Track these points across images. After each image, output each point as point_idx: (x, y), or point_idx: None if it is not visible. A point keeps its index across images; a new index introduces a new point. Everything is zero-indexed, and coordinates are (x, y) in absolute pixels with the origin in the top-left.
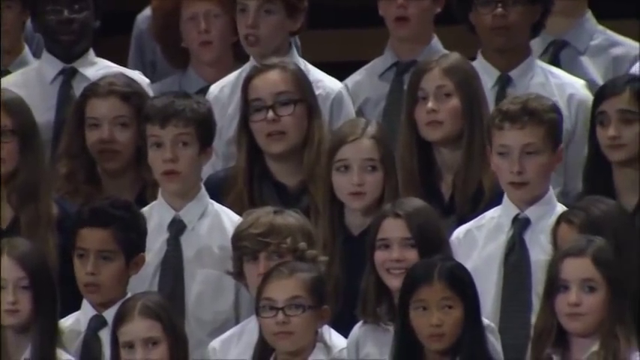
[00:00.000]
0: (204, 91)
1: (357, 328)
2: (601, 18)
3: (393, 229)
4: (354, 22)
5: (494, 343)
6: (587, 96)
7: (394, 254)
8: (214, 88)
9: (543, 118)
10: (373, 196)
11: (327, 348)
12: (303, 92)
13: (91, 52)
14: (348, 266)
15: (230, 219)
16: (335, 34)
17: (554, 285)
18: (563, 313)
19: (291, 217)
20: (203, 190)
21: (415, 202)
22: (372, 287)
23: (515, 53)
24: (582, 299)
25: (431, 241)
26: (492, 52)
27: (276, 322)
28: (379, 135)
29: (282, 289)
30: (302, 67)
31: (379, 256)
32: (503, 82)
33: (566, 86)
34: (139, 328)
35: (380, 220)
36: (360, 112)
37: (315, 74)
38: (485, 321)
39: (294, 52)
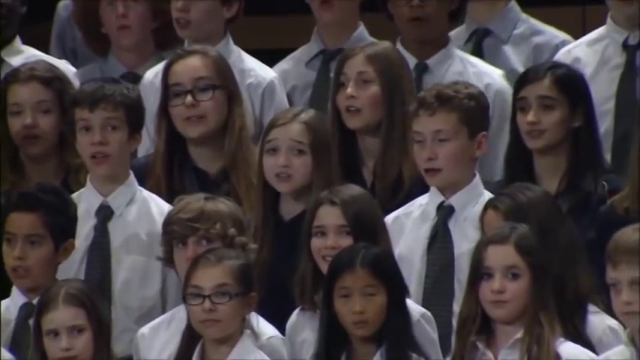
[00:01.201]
0: (126, 77)
1: (294, 315)
2: (541, 5)
3: (329, 216)
4: (283, 9)
5: (430, 331)
6: (505, 85)
7: (329, 241)
8: (149, 74)
9: (456, 104)
10: (300, 181)
11: (255, 335)
12: (223, 78)
13: (18, 40)
14: (278, 252)
15: (158, 205)
16: (262, 21)
17: (478, 272)
18: (487, 301)
19: (221, 204)
20: (132, 176)
21: (351, 190)
22: (309, 274)
23: (432, 42)
24: (506, 286)
25: (366, 229)
26: (410, 42)
27: (202, 309)
28: (312, 122)
29: (208, 277)
30: (236, 54)
31: (315, 243)
32: (420, 71)
33: (484, 75)
34: (63, 316)
35: (316, 207)
36: (287, 100)
37: (249, 62)
38: (421, 309)
39: (229, 39)
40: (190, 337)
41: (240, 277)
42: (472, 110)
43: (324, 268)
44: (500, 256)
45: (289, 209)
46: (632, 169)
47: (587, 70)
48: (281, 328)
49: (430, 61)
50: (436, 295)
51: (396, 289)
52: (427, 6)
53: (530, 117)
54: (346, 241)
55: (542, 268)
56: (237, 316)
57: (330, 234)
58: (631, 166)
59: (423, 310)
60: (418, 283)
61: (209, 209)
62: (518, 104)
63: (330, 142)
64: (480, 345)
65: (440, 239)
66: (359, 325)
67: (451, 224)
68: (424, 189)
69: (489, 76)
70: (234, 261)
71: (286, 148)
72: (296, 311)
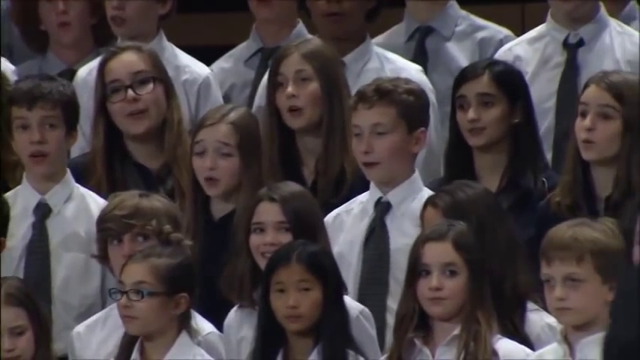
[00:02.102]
0: (64, 74)
1: (232, 313)
2: (481, 2)
3: (268, 212)
4: (221, 6)
5: (369, 328)
6: (423, 80)
7: (268, 238)
8: (82, 72)
9: (395, 98)
10: (227, 183)
11: (194, 332)
12: (159, 72)
13: None
14: (208, 250)
15: (96, 202)
16: (201, 18)
17: (416, 269)
18: (424, 298)
19: (157, 201)
20: (69, 173)
21: (290, 187)
22: (248, 271)
23: (349, 39)
24: (443, 283)
25: (305, 226)
26: (327, 38)
27: (122, 305)
28: (240, 121)
29: (129, 274)
30: (170, 51)
31: (254, 239)
32: None
33: (401, 71)
34: (4, 316)
35: (255, 203)
36: (226, 98)
37: (183, 59)
38: (359, 306)
39: (162, 36)
40: (131, 335)
41: (164, 277)
42: (411, 105)
43: (262, 264)
44: (438, 253)
45: (219, 208)
46: (566, 165)
47: (529, 69)
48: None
49: (347, 58)
50: (371, 290)
51: (332, 285)
52: (344, 2)
53: (471, 114)
54: (285, 238)
55: (480, 265)
56: (157, 314)
57: (269, 230)
58: (565, 162)
59: (362, 307)
60: (354, 279)
61: (144, 206)
62: (458, 102)
63: (258, 141)
64: (418, 342)
65: (376, 235)
66: (292, 320)
67: (388, 220)
68: (366, 185)
69: (407, 72)
70: (163, 259)
71: (213, 150)
72: (234, 308)
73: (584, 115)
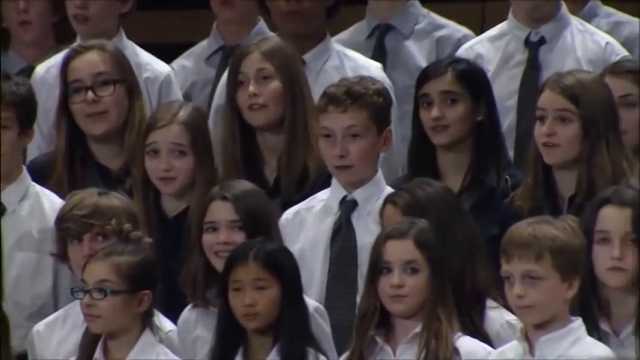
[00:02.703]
0: (25, 71)
1: (186, 312)
2: (441, 0)
3: (221, 211)
4: (181, 4)
5: (324, 325)
6: (383, 78)
7: (222, 237)
8: (40, 69)
9: (367, 101)
10: (183, 181)
11: (156, 330)
12: (122, 73)
13: None
14: (163, 248)
15: (50, 201)
16: (162, 16)
17: (377, 267)
18: (386, 295)
19: (115, 199)
20: (25, 172)
21: (243, 185)
22: (201, 270)
23: (309, 37)
24: (404, 281)
25: (259, 224)
26: (287, 36)
27: (85, 304)
28: (190, 120)
29: (91, 272)
30: (130, 49)
31: (207, 239)
32: None
33: (361, 69)
34: None
35: (207, 202)
36: (187, 96)
37: (144, 57)
38: (315, 303)
39: (122, 34)
40: (93, 334)
41: (126, 275)
42: (380, 106)
43: (216, 263)
44: (399, 250)
45: (173, 206)
46: (528, 168)
47: (490, 67)
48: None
49: (307, 56)
50: (339, 288)
51: (291, 283)
52: (304, 1)
53: (434, 112)
54: (238, 236)
55: (441, 263)
56: (121, 312)
57: (222, 229)
58: (527, 165)
59: (317, 304)
60: (321, 278)
61: (103, 205)
62: (421, 100)
63: (209, 138)
64: (379, 340)
65: (343, 233)
66: (249, 318)
67: (354, 218)
68: (329, 183)
69: (367, 70)
70: (125, 258)
71: (167, 150)
72: (188, 308)
73: (542, 119)
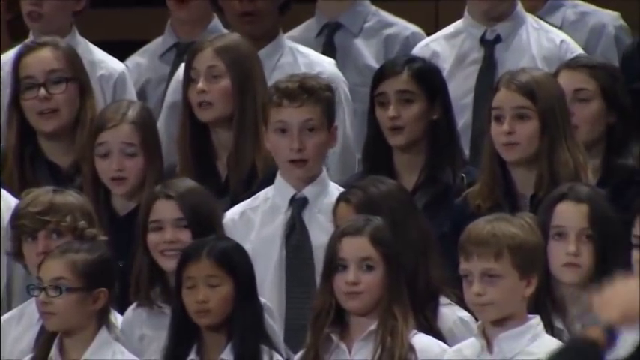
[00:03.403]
0: None
1: (130, 311)
2: None
3: (165, 210)
4: (135, 2)
5: (271, 322)
6: (336, 73)
7: (167, 235)
8: None
9: (320, 96)
10: (134, 181)
11: (112, 328)
12: (75, 70)
13: None
14: (115, 247)
15: (5, 200)
16: (116, 14)
17: (333, 264)
18: (341, 292)
19: (70, 197)
20: None
21: (186, 183)
22: (146, 269)
23: (263, 35)
24: (360, 278)
25: (204, 222)
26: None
27: (40, 301)
28: (140, 119)
29: (47, 270)
30: (83, 46)
31: (152, 238)
32: None
33: (315, 65)
34: None
35: (151, 201)
36: (141, 94)
37: (98, 54)
38: (262, 300)
39: (75, 31)
40: (49, 332)
41: (82, 272)
42: (331, 101)
43: (162, 262)
44: (355, 247)
45: (123, 204)
46: (483, 168)
47: (446, 65)
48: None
49: (260, 53)
50: (297, 287)
51: (244, 280)
52: (257, 1)
53: (391, 112)
54: (184, 235)
55: (396, 260)
56: (76, 310)
57: (167, 228)
58: (482, 164)
59: (264, 300)
60: (278, 277)
61: (58, 202)
62: (377, 99)
63: (158, 137)
64: (334, 337)
65: (297, 232)
66: (201, 315)
67: (305, 216)
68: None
69: (320, 65)
70: (81, 255)
71: (118, 151)
72: (132, 307)
73: (498, 119)
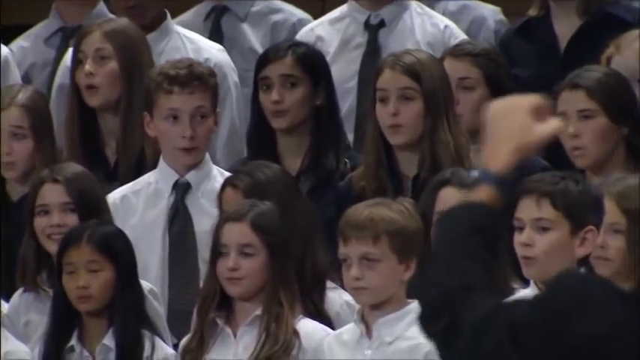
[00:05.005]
0: None
1: (16, 296)
2: None
3: (52, 194)
4: None
5: (157, 306)
6: (223, 59)
7: (55, 219)
8: None
9: (208, 82)
10: (24, 165)
11: (3, 317)
12: None
13: None
14: (8, 232)
15: None
16: None
17: (216, 250)
18: (223, 278)
19: None
20: None
21: (73, 167)
22: (32, 254)
23: (150, 23)
24: (240, 264)
25: (91, 206)
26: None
27: None
28: (30, 103)
29: None
30: None
31: (39, 222)
32: None
33: (202, 50)
34: None
35: (38, 186)
36: (26, 78)
37: None
38: (148, 285)
39: None
40: None
41: None
42: (216, 86)
43: (49, 246)
44: (236, 233)
45: (17, 189)
46: (367, 149)
47: (330, 49)
48: None
49: (148, 38)
50: (180, 273)
51: (125, 266)
52: None
53: (274, 96)
54: (71, 219)
55: (281, 246)
56: None
57: (54, 212)
58: (366, 145)
59: (150, 286)
60: (161, 262)
61: None
62: (261, 83)
63: (49, 121)
64: (220, 322)
65: (180, 217)
66: (82, 300)
67: (188, 202)
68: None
69: (208, 51)
70: None
71: (7, 134)
72: (18, 292)
73: (384, 100)
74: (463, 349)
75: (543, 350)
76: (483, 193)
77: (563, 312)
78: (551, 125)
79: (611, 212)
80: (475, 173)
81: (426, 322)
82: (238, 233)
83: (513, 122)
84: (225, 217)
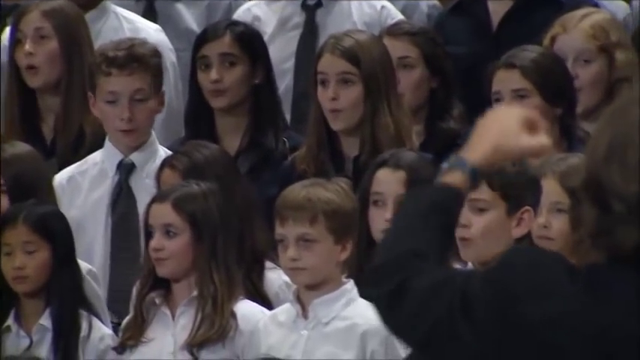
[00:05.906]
0: None
1: None
2: None
3: None
4: None
5: (96, 287)
6: (161, 39)
7: None
8: None
9: (149, 63)
10: None
11: None
12: None
13: None
14: None
15: None
16: None
17: (146, 230)
18: (152, 259)
19: None
20: None
21: (15, 148)
22: None
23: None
24: (163, 244)
25: (25, 187)
26: None
27: None
28: None
29: None
30: None
31: None
32: None
33: (140, 31)
34: None
35: None
36: None
37: None
38: (87, 266)
39: None
40: None
41: None
42: (159, 67)
43: None
44: (159, 214)
45: None
46: (309, 131)
47: (267, 29)
48: None
49: (85, 17)
50: (123, 253)
51: (62, 247)
52: None
53: (213, 75)
54: (2, 201)
55: (208, 226)
56: None
57: None
58: (308, 127)
59: (89, 266)
60: (105, 243)
61: None
62: (199, 62)
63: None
64: (158, 301)
65: (123, 197)
66: (19, 281)
67: (132, 182)
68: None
69: (145, 32)
70: None
71: None
72: None
73: (324, 84)
74: (410, 313)
75: (493, 327)
76: (454, 178)
77: (514, 293)
78: (538, 140)
79: (554, 192)
80: (447, 162)
81: (372, 284)
82: (161, 213)
83: (501, 125)
84: (152, 198)
